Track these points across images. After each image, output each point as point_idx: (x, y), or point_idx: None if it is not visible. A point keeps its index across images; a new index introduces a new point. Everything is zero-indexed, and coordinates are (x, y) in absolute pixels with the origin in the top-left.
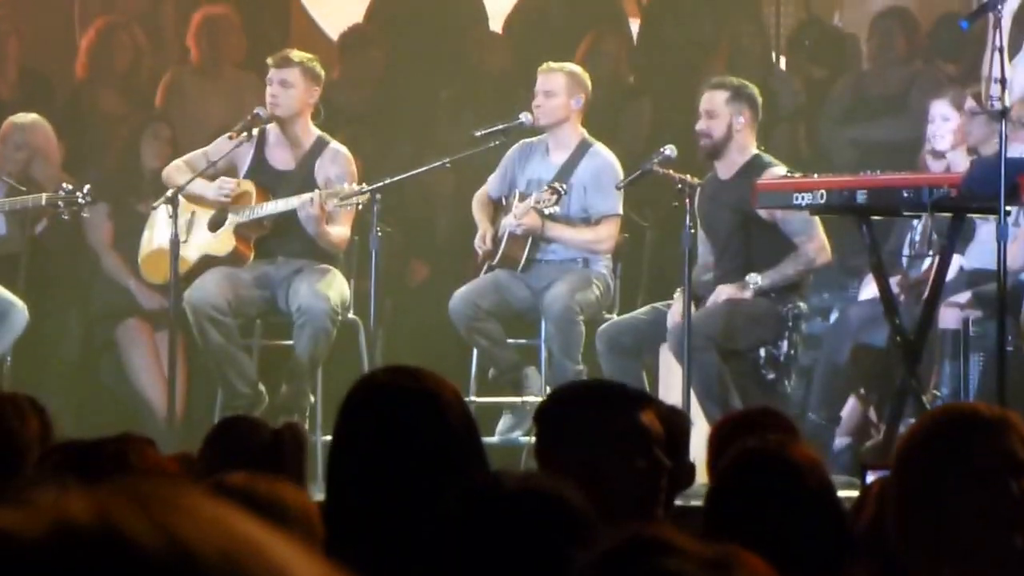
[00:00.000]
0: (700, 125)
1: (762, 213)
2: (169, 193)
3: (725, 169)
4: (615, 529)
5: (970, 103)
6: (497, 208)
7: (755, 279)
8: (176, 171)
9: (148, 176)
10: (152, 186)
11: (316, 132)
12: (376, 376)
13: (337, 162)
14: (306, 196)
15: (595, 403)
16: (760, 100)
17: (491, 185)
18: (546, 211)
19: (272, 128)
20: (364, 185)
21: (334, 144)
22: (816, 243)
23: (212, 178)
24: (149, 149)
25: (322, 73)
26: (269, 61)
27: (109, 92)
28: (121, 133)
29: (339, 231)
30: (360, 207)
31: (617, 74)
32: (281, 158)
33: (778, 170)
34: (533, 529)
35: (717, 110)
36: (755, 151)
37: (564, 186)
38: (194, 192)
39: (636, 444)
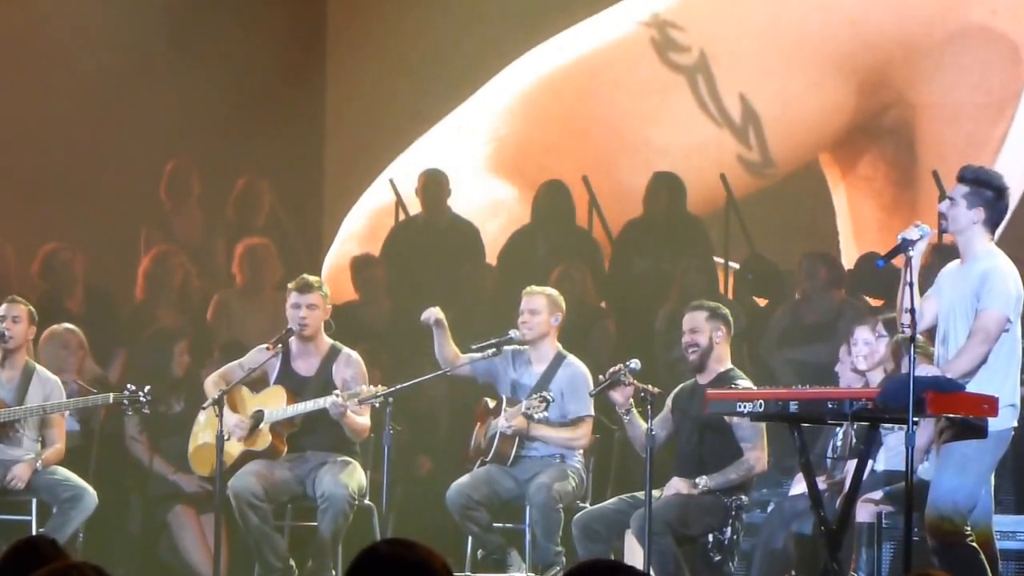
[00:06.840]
0: (686, 339)
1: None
2: (214, 397)
3: (704, 376)
4: None
5: (880, 328)
6: (487, 411)
7: (704, 480)
8: (213, 384)
9: (173, 383)
10: (177, 391)
11: (330, 341)
12: (378, 547)
13: (351, 365)
14: (331, 398)
15: None
16: (732, 320)
17: (478, 368)
18: (536, 416)
19: (294, 340)
20: (378, 387)
21: (346, 350)
22: (758, 452)
23: (248, 385)
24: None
25: (329, 292)
26: (290, 286)
27: (164, 309)
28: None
29: (362, 420)
30: (377, 405)
31: (586, 297)
32: (304, 366)
33: (744, 383)
34: None
35: (699, 327)
36: (730, 365)
37: (551, 395)
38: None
39: None
